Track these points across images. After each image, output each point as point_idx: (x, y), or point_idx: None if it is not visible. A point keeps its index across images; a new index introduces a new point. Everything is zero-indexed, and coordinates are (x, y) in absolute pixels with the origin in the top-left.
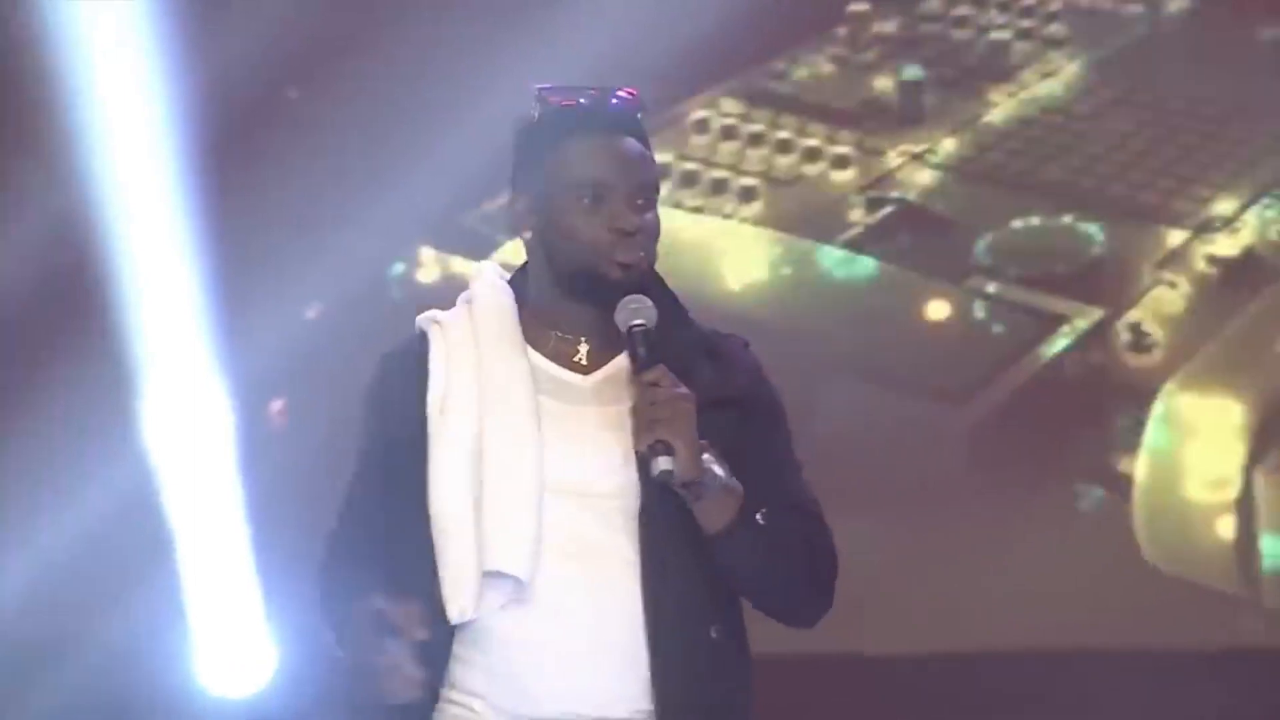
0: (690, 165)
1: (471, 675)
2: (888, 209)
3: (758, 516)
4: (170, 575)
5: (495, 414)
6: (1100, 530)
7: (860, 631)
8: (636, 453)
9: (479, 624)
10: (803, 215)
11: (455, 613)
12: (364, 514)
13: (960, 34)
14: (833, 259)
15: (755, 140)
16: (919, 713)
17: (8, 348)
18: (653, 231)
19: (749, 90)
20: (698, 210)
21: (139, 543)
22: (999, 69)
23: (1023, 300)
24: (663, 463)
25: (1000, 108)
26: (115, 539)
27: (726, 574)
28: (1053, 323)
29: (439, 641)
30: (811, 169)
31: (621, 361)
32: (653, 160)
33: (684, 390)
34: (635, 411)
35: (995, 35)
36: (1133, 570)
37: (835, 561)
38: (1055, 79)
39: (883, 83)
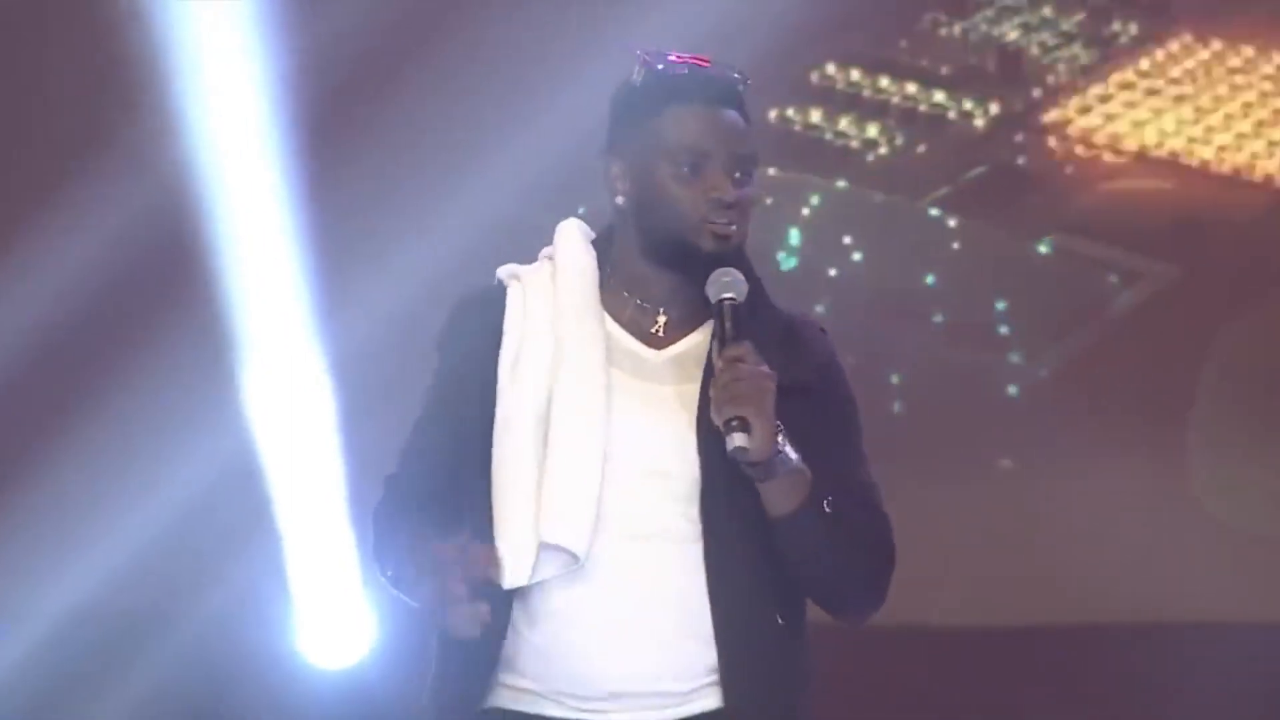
0: (788, 126)
1: (524, 652)
2: (979, 169)
3: (824, 504)
4: (271, 546)
5: (566, 382)
6: (1181, 494)
7: (945, 601)
8: (711, 427)
9: (532, 598)
10: (893, 175)
11: (510, 578)
12: (425, 460)
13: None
14: (923, 217)
15: (852, 103)
16: (1012, 684)
17: (110, 322)
18: (749, 206)
19: (847, 53)
20: (797, 169)
21: (240, 514)
22: (1096, 34)
23: (1109, 258)
24: (738, 439)
25: (1094, 71)
26: (217, 510)
27: (786, 559)
28: (1133, 279)
29: (495, 607)
30: (907, 130)
31: (696, 338)
32: (753, 135)
33: (766, 369)
34: (716, 385)
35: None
36: (1214, 536)
37: (892, 557)
38: (1149, 43)
39: (980, 46)
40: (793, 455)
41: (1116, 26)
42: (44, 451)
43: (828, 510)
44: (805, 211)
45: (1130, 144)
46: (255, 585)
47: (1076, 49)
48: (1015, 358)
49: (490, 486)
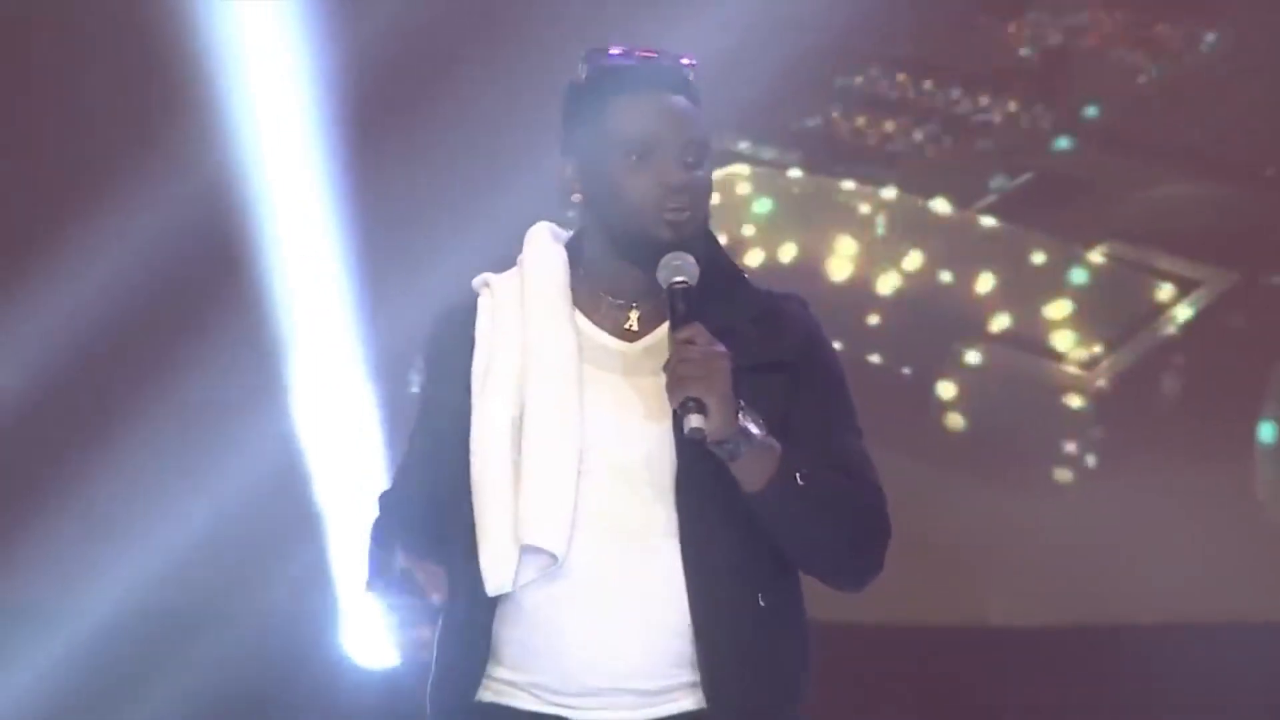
0: (833, 131)
1: (512, 651)
2: (1026, 175)
3: (796, 476)
4: (317, 548)
5: (537, 384)
6: (1236, 499)
7: (1006, 606)
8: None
9: (516, 598)
10: (942, 181)
11: (493, 586)
12: (412, 476)
13: None
14: (970, 225)
15: (896, 106)
16: (1069, 685)
17: (158, 322)
18: (703, 189)
19: (889, 55)
20: (839, 176)
21: (286, 515)
22: (1140, 34)
23: (1160, 265)
24: (694, 420)
25: (1142, 73)
26: (263, 512)
27: (768, 535)
28: (1190, 287)
29: (482, 611)
30: (952, 134)
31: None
32: (702, 118)
33: (719, 348)
34: (668, 368)
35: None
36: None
37: (882, 523)
38: (1199, 44)
39: (1024, 49)
40: (756, 430)
41: (1163, 29)
42: (92, 451)
43: (801, 482)
44: (856, 218)
45: (1181, 146)
46: (302, 586)
47: (1123, 51)
48: (1071, 368)
49: (469, 494)
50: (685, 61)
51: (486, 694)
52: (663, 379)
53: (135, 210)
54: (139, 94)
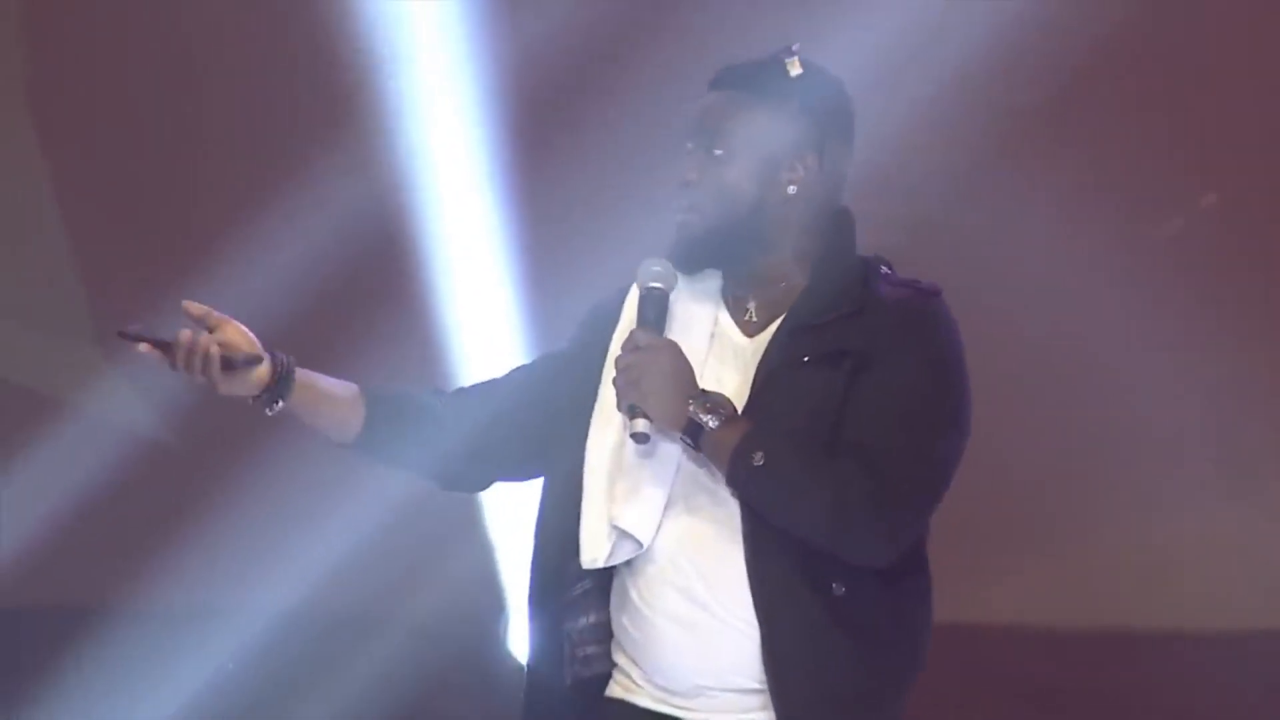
0: None
1: (625, 636)
2: None
3: (754, 457)
4: (481, 549)
5: None
6: None
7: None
8: (755, 409)
9: (620, 583)
10: None
11: (588, 559)
12: (505, 375)
13: None
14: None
15: None
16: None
17: (324, 324)
18: (703, 183)
19: None
20: None
21: (451, 516)
22: None
23: None
24: (638, 425)
25: None
26: (428, 513)
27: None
28: None
29: (599, 586)
30: None
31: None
32: (731, 109)
33: (664, 346)
34: (615, 377)
35: None
36: None
37: (876, 501)
38: None
39: None
40: (710, 420)
41: None
42: (257, 454)
43: (758, 463)
44: None
45: None
46: (468, 588)
47: None
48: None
49: (582, 464)
50: (741, 61)
51: (616, 689)
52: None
53: (303, 211)
54: (307, 96)
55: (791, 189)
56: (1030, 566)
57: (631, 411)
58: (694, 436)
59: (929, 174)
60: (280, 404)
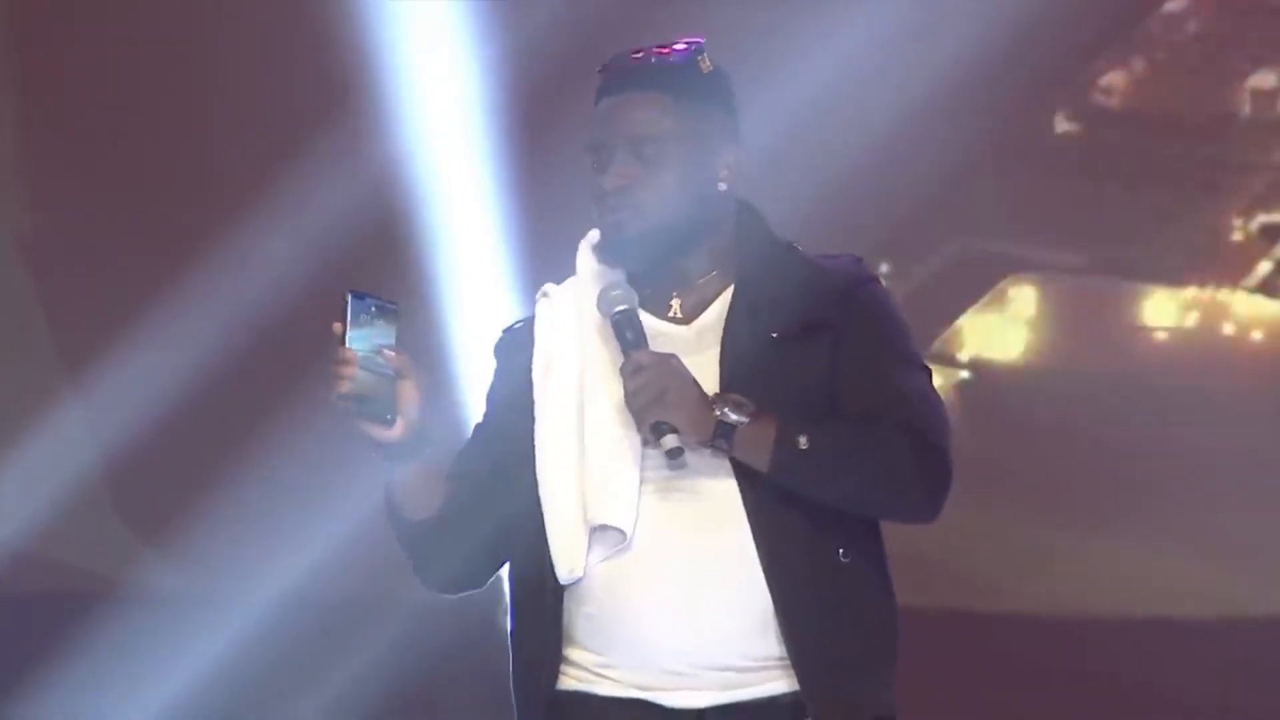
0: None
1: (586, 631)
2: None
3: (799, 441)
4: None
5: (595, 372)
6: None
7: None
8: (731, 383)
9: (587, 578)
10: (1185, 254)
11: (565, 572)
12: (464, 463)
13: None
14: (1239, 304)
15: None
16: None
17: (321, 315)
18: (632, 187)
19: (1075, 107)
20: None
21: None
22: None
23: None
24: (670, 441)
25: None
26: None
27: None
28: None
29: (552, 598)
30: (1178, 196)
31: (717, 307)
32: (654, 111)
33: (665, 360)
34: (627, 402)
35: None
36: None
37: (921, 453)
38: None
39: (1225, 88)
40: (738, 417)
41: None
42: (259, 441)
43: (805, 446)
44: None
45: None
46: None
47: None
48: None
49: (536, 485)
50: (639, 56)
51: (569, 682)
52: (711, 354)
53: (302, 206)
54: (305, 90)
55: (723, 186)
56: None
57: (658, 430)
58: (726, 438)
59: (916, 173)
60: (403, 466)
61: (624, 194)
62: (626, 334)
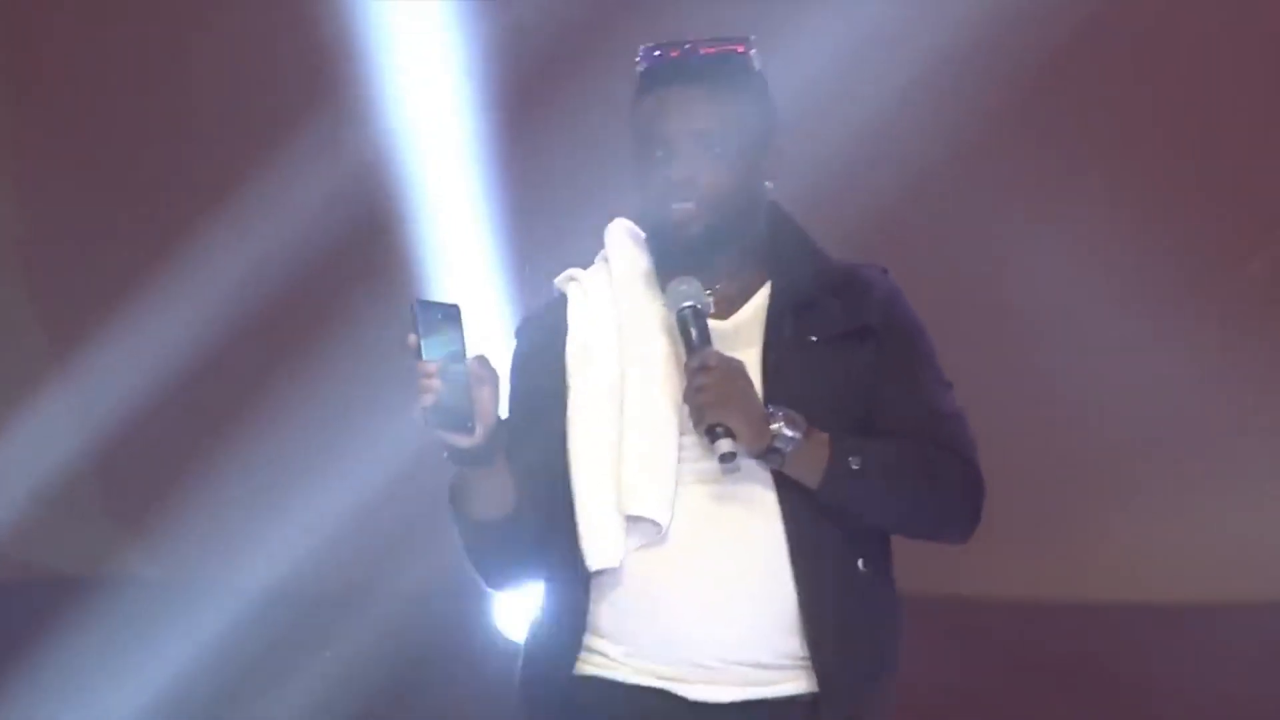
0: None
1: (610, 620)
2: None
3: (850, 462)
4: None
5: (635, 362)
6: None
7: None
8: (776, 385)
9: (618, 568)
10: None
11: (595, 561)
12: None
13: None
14: None
15: None
16: None
17: (305, 306)
18: (707, 181)
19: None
20: None
21: (435, 492)
22: None
23: None
24: (724, 445)
25: None
26: (412, 489)
27: (853, 517)
28: None
29: (579, 587)
30: None
31: (757, 301)
32: (722, 107)
33: (734, 364)
34: (687, 399)
35: None
36: None
37: (964, 475)
38: None
39: None
40: (792, 433)
41: None
42: (241, 433)
43: (856, 466)
44: None
45: None
46: (452, 561)
47: None
48: None
49: (568, 471)
50: (712, 50)
51: (587, 668)
52: (752, 352)
53: (287, 197)
54: (289, 82)
55: (769, 183)
56: (1038, 543)
57: (713, 434)
58: (780, 453)
59: (903, 170)
60: (482, 469)
61: (693, 186)
62: (692, 330)
